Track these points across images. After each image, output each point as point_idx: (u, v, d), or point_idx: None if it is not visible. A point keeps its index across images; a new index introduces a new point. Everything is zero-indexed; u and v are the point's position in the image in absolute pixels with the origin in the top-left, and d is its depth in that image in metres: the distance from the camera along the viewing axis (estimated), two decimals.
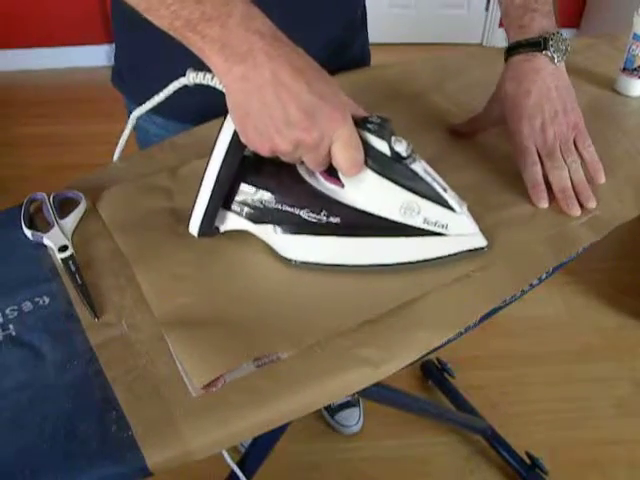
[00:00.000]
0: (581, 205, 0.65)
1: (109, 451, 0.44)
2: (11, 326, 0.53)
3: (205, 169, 0.55)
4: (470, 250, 0.59)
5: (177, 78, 0.59)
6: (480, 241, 0.59)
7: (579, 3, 3.09)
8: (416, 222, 0.56)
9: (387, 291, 0.56)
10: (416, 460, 1.41)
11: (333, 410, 1.46)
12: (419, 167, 0.55)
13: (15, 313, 0.54)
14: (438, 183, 0.56)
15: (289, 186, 0.57)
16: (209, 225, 0.59)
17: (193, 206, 0.57)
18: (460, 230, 0.57)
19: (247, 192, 0.57)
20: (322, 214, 0.56)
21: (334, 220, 0.56)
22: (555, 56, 0.67)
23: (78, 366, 0.50)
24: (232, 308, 0.54)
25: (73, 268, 0.57)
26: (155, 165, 0.70)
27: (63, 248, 0.59)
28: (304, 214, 0.56)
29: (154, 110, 0.74)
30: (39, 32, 2.92)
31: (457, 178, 0.66)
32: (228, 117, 0.52)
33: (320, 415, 1.48)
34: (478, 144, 0.75)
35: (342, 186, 0.56)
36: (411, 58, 0.94)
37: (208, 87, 0.54)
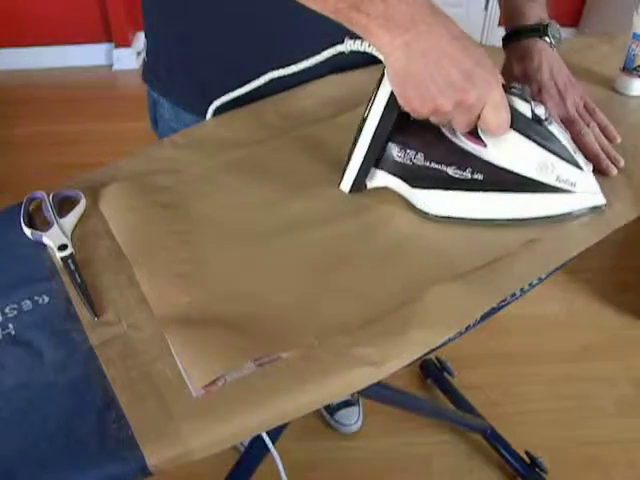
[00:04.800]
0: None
1: (109, 450, 0.44)
2: (11, 325, 0.53)
3: (361, 129, 0.61)
4: (592, 208, 0.63)
5: (211, 70, 0.66)
6: (601, 199, 0.64)
7: (578, 2, 3.08)
8: (550, 179, 0.61)
9: (386, 287, 0.56)
10: (416, 459, 1.41)
11: (333, 409, 1.46)
12: (555, 129, 0.60)
13: (15, 312, 0.54)
14: (570, 144, 0.61)
15: (437, 145, 0.62)
16: (361, 181, 0.64)
17: (346, 164, 0.63)
18: (585, 188, 0.62)
19: (396, 151, 0.62)
20: (467, 171, 0.61)
21: (478, 177, 0.61)
22: (552, 42, 0.73)
23: (78, 365, 0.50)
24: (233, 307, 0.54)
25: (72, 267, 0.57)
26: (155, 164, 0.70)
27: (62, 247, 0.59)
28: (451, 171, 0.61)
29: (187, 107, 0.75)
30: (39, 31, 2.92)
31: None
32: (384, 81, 0.57)
33: (320, 414, 1.48)
34: None
35: (484, 146, 0.60)
36: None
37: (241, 78, 0.63)
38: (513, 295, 0.58)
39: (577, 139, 0.69)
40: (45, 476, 0.43)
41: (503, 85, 0.56)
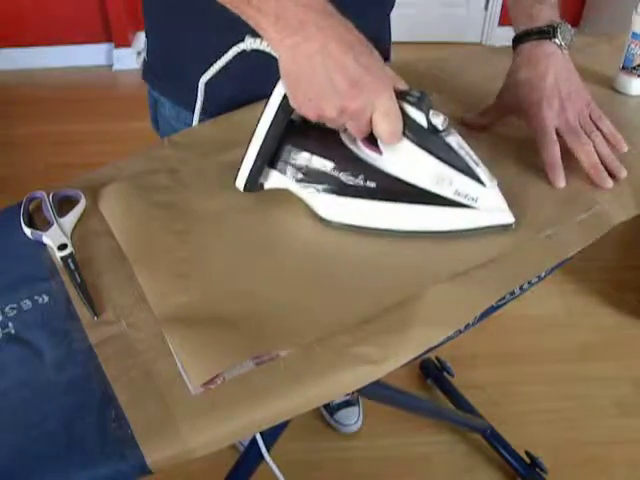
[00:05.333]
0: (612, 176, 0.68)
1: (109, 449, 0.44)
2: (10, 324, 0.53)
3: (255, 128, 0.60)
4: (498, 226, 0.61)
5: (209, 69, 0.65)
6: (508, 217, 0.61)
7: (578, 2, 3.08)
8: (447, 193, 0.59)
9: (389, 286, 0.56)
10: (415, 459, 1.41)
11: (332, 409, 1.46)
12: (454, 140, 0.58)
13: (14, 311, 0.54)
14: (471, 157, 0.59)
15: (331, 150, 0.61)
16: (254, 181, 0.63)
17: (241, 162, 0.62)
18: (489, 204, 0.60)
19: (292, 153, 0.62)
20: (359, 178, 0.60)
21: (371, 184, 0.60)
22: (563, 44, 0.71)
23: (77, 364, 0.50)
24: (232, 306, 0.54)
25: (72, 266, 0.57)
26: (155, 163, 0.70)
27: (62, 246, 0.59)
28: (343, 177, 0.60)
29: (188, 107, 0.75)
30: (39, 31, 2.92)
31: None
32: (280, 81, 0.56)
33: (319, 414, 1.48)
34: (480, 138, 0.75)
35: (380, 154, 0.59)
36: (410, 57, 0.94)
37: (241, 78, 0.64)
38: (512, 293, 0.58)
39: (576, 149, 0.68)
40: (45, 475, 0.43)
41: (398, 92, 0.55)
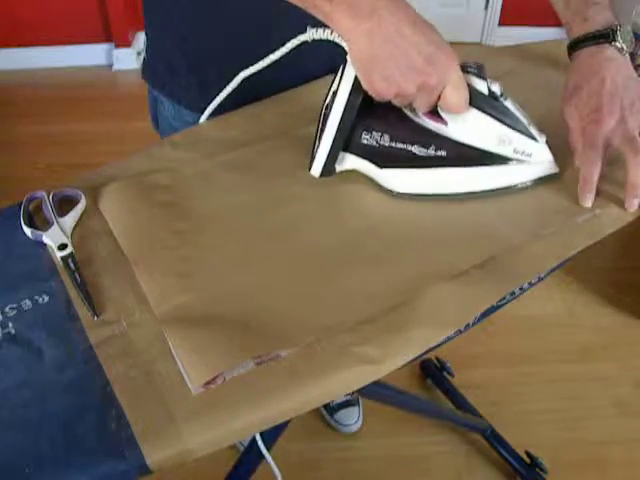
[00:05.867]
0: None
1: (109, 449, 0.44)
2: (10, 324, 0.53)
3: (327, 115, 0.63)
4: (547, 176, 0.66)
5: (211, 70, 0.67)
6: (554, 168, 0.66)
7: None
8: (507, 152, 0.64)
9: (389, 286, 0.56)
10: (415, 459, 1.41)
11: (332, 409, 1.46)
12: (510, 104, 0.62)
13: (15, 311, 0.54)
14: (525, 117, 0.63)
15: (401, 126, 0.64)
16: (330, 166, 0.66)
17: (315, 150, 0.65)
18: (540, 158, 0.65)
19: (363, 133, 0.64)
20: (431, 148, 0.63)
21: (441, 153, 0.64)
22: (624, 47, 0.68)
23: (77, 364, 0.50)
24: (232, 306, 0.54)
25: (72, 266, 0.57)
26: (155, 163, 0.70)
27: (62, 246, 0.59)
28: (416, 149, 0.64)
29: (187, 106, 0.75)
30: (39, 31, 2.92)
31: None
32: (347, 67, 0.60)
33: (319, 414, 1.48)
34: None
35: (445, 123, 0.63)
36: None
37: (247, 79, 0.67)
38: (512, 293, 0.58)
39: (630, 159, 0.63)
40: (45, 475, 0.43)
41: (460, 65, 0.58)
